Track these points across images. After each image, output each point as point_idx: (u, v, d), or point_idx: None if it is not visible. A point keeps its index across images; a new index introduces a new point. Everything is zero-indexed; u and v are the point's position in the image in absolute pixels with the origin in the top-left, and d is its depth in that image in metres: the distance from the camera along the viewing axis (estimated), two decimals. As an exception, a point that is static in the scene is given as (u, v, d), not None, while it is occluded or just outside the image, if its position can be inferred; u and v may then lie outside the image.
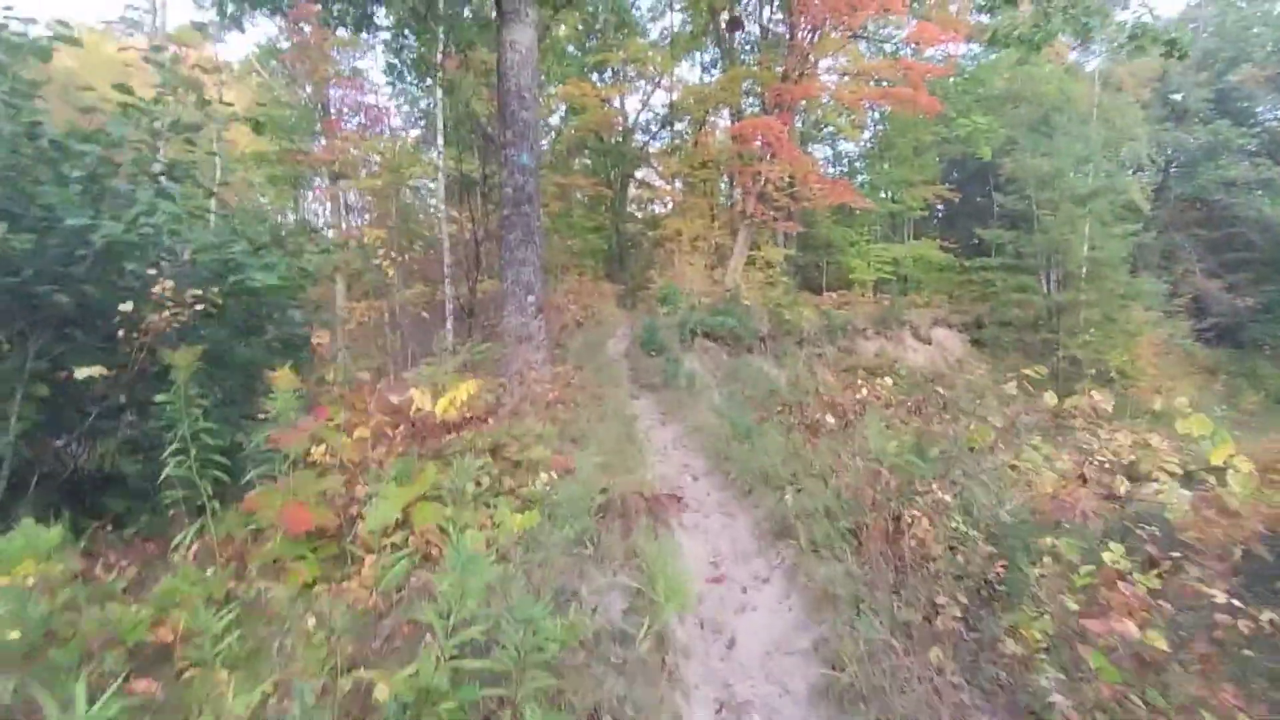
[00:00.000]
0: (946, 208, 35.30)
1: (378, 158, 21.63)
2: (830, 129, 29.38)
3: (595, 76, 25.79)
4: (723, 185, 25.77)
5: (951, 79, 26.71)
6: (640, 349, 13.99)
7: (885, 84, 19.19)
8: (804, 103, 22.00)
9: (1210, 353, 30.20)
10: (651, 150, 30.16)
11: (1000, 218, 33.41)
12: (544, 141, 29.26)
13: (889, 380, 17.61)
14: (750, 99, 25.39)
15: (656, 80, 26.87)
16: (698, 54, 29.07)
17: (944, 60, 24.77)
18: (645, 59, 24.46)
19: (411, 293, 18.51)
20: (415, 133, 25.19)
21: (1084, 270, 25.22)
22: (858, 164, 33.88)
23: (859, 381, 23.19)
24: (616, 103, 28.14)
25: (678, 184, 26.77)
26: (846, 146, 32.98)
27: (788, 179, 19.71)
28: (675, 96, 25.16)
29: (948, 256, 28.55)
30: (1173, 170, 31.16)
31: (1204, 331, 30.14)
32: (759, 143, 19.44)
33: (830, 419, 8.03)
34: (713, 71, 28.64)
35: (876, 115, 30.82)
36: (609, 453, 6.43)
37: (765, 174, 19.27)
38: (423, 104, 22.62)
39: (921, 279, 30.42)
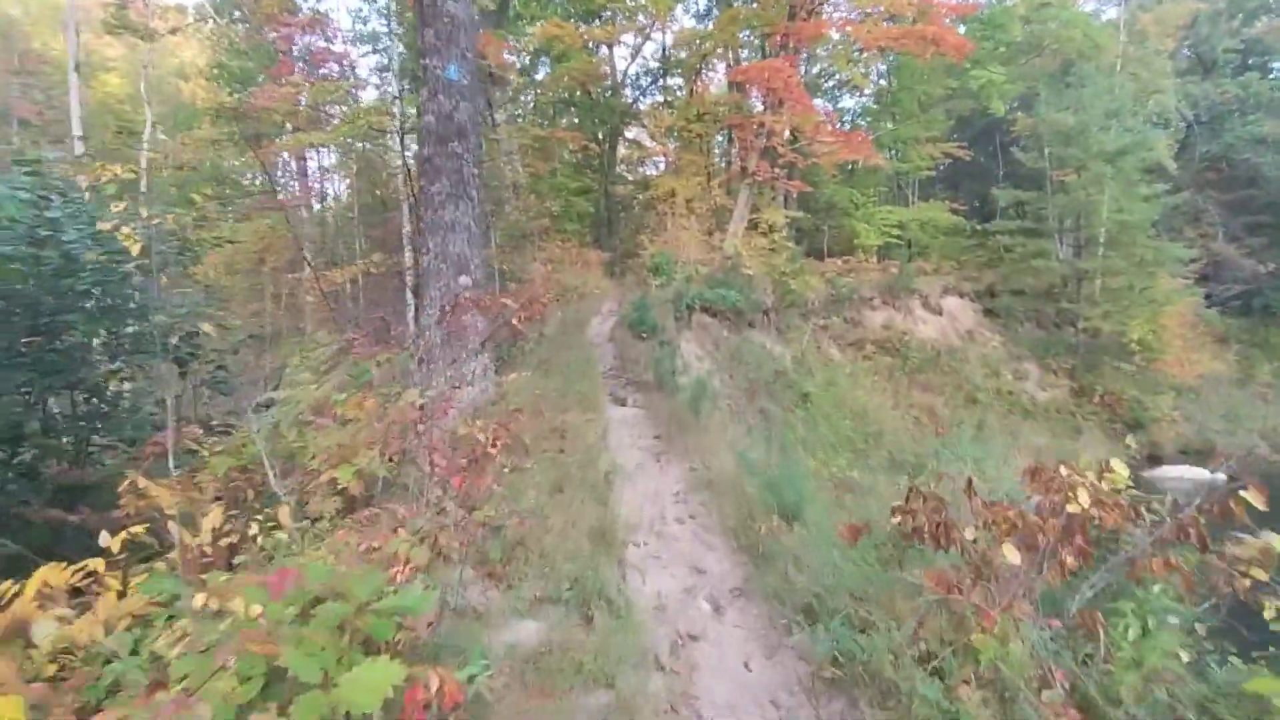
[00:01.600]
0: (950, 168, 32.51)
1: (339, 110, 18.75)
2: (833, 81, 26.46)
3: (583, 28, 22.75)
4: (719, 142, 22.89)
5: (963, 27, 23.83)
6: (628, 330, 11.46)
7: (905, 23, 16.35)
8: (808, 50, 19.15)
9: (1222, 321, 27.85)
10: (643, 108, 27.34)
11: (1009, 178, 30.76)
12: (527, 95, 26.29)
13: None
14: (748, 51, 22.50)
15: (648, 31, 23.87)
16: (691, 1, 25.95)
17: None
18: (634, 5, 21.34)
19: (369, 261, 15.81)
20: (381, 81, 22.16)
21: (1104, 234, 22.65)
22: (860, 121, 30.94)
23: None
24: (604, 51, 25.19)
25: (671, 144, 23.88)
26: (847, 102, 29.99)
27: (793, 133, 16.93)
28: (669, 40, 22.08)
29: (957, 219, 25.80)
30: (1197, 127, 28.36)
31: (1218, 299, 27.73)
32: (763, 90, 16.61)
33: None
34: (707, 22, 25.56)
35: (882, 67, 27.94)
36: (561, 575, 3.93)
37: (770, 126, 16.50)
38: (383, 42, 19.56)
39: (928, 244, 27.76)
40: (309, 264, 14.38)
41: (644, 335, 11.12)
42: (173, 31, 25.37)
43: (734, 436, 7.70)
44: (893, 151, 27.98)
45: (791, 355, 17.45)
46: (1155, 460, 20.40)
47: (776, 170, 17.13)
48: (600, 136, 26.68)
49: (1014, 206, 27.33)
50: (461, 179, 6.06)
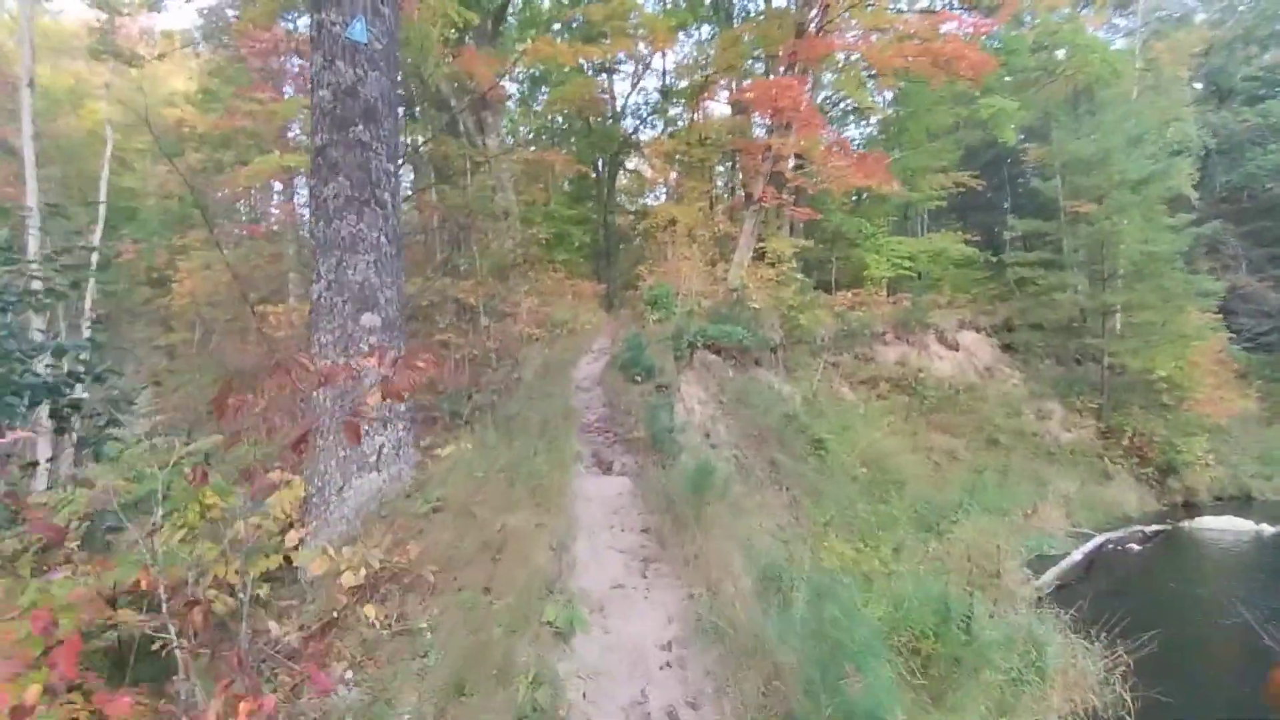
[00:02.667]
0: (955, 199, 31.11)
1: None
2: (839, 108, 25.11)
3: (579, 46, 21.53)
4: (722, 171, 21.44)
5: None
6: (621, 372, 9.79)
7: (919, 42, 14.90)
8: (815, 71, 17.72)
9: (1246, 357, 26.08)
10: (643, 138, 26.10)
11: (1017, 209, 29.43)
12: (524, 126, 24.99)
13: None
14: (751, 79, 21.17)
15: (648, 59, 22.64)
16: (693, 28, 24.71)
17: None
18: (633, 32, 19.97)
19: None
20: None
21: (1127, 266, 21.04)
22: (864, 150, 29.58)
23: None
24: (603, 79, 23.96)
25: (673, 172, 22.45)
26: (852, 132, 28.64)
27: (799, 157, 15.43)
28: (669, 65, 20.74)
29: (970, 251, 24.21)
30: (1216, 156, 26.93)
31: (1246, 333, 26.04)
32: (770, 112, 15.14)
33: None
34: (709, 48, 24.32)
35: (888, 94, 26.63)
36: None
37: (777, 150, 14.98)
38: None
39: (939, 276, 26.14)
40: (247, 302, 12.70)
41: (638, 378, 9.45)
42: (159, 57, 24.30)
43: (749, 531, 5.89)
44: (901, 181, 26.56)
45: (801, 396, 15.76)
46: (1192, 509, 18.53)
47: (784, 196, 15.58)
48: (599, 166, 25.37)
49: (1026, 238, 25.89)
50: (368, 178, 4.31)
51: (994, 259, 25.32)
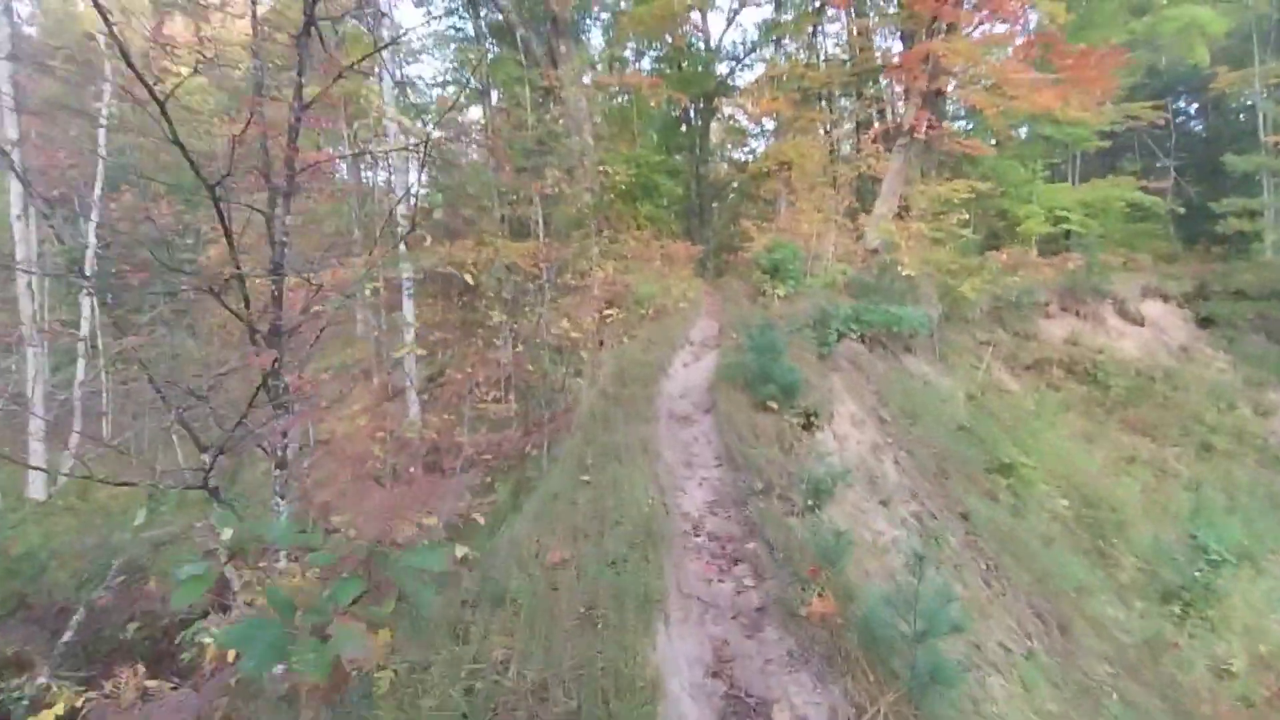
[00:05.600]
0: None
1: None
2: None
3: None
4: (844, 107, 16.53)
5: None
6: (739, 388, 5.72)
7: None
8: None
9: None
10: (740, 83, 21.39)
11: (1181, 149, 22.97)
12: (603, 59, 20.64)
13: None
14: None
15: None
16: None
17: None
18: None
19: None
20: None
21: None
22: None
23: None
24: (695, 16, 19.30)
25: (786, 108, 17.66)
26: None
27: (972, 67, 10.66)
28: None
29: (1153, 200, 18.43)
30: None
31: None
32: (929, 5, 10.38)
33: None
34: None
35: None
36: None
37: (943, 58, 10.26)
38: None
39: (1102, 233, 20.31)
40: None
41: (772, 403, 5.38)
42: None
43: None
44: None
45: (965, 393, 11.21)
46: None
47: (944, 125, 10.87)
48: (691, 113, 20.91)
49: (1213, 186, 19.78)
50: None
51: (1180, 210, 19.36)
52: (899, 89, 15.09)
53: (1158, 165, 22.90)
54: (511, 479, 5.10)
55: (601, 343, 7.49)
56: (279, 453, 3.97)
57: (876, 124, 13.12)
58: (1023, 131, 20.48)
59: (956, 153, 12.57)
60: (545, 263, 9.30)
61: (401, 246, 8.87)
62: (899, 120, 11.29)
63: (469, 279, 8.62)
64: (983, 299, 13.56)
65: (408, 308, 9.27)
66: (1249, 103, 24.76)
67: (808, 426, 5.75)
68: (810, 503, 3.98)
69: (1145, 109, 18.83)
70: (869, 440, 7.18)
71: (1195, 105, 25.86)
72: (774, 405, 5.40)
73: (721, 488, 4.28)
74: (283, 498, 4.00)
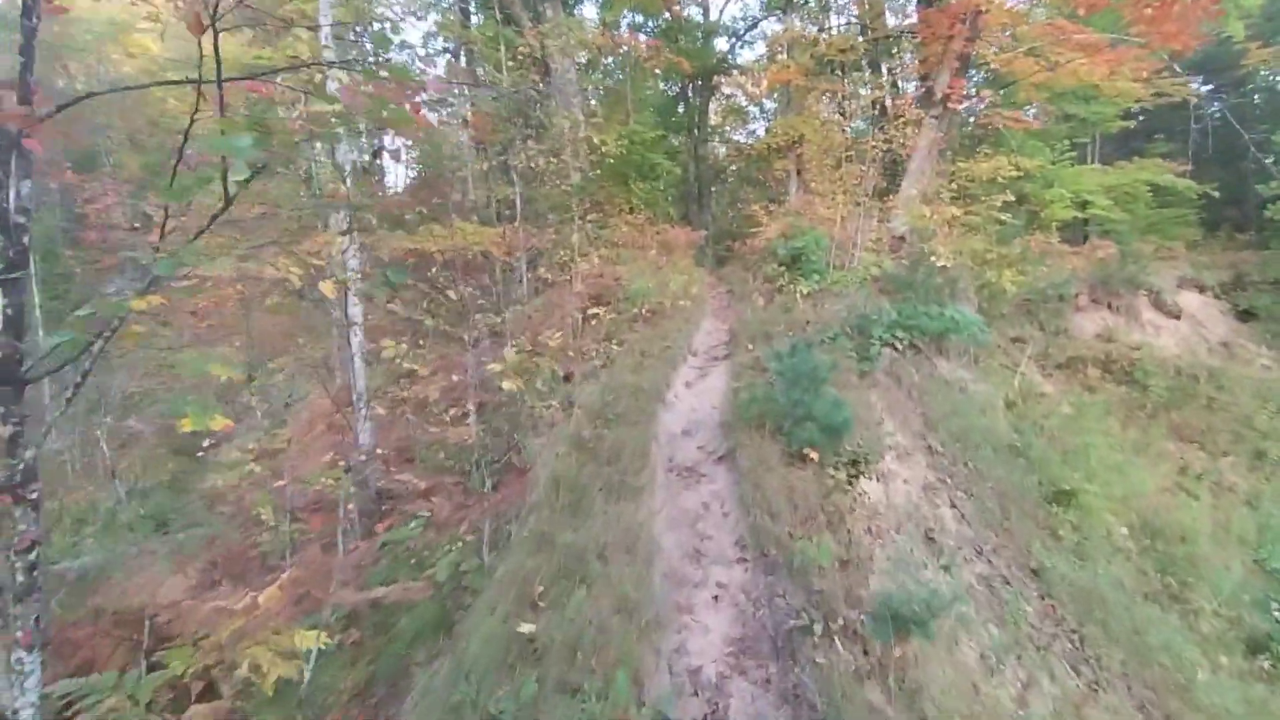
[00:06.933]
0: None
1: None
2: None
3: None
4: (860, 76, 14.71)
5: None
6: (766, 426, 4.09)
7: None
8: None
9: None
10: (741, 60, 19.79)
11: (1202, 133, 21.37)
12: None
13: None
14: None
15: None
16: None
17: None
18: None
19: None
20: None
21: None
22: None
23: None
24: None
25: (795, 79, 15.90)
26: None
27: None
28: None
29: (1186, 184, 16.79)
30: None
31: None
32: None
33: None
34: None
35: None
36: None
37: (978, 8, 8.59)
38: None
39: (1123, 220, 18.58)
40: None
41: (811, 451, 3.78)
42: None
43: None
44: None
45: (1004, 399, 9.61)
46: None
47: (983, 93, 9.21)
48: (689, 91, 19.28)
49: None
50: None
51: (1212, 193, 17.65)
52: (914, 61, 13.42)
53: (1174, 149, 21.26)
54: (451, 559, 3.52)
55: (582, 353, 5.87)
56: (16, 576, 2.37)
57: (902, 94, 11.37)
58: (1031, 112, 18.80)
59: (995, 129, 10.87)
60: (517, 251, 7.63)
61: (345, 235, 7.28)
62: (929, 87, 9.57)
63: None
64: (1017, 292, 11.94)
65: (353, 312, 7.60)
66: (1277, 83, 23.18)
67: (853, 478, 4.16)
68: (894, 649, 2.39)
69: (1177, 85, 17.11)
70: (918, 478, 5.59)
71: (1210, 88, 24.22)
72: (813, 454, 3.79)
73: (749, 610, 2.68)
74: (29, 650, 2.39)
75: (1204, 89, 23.81)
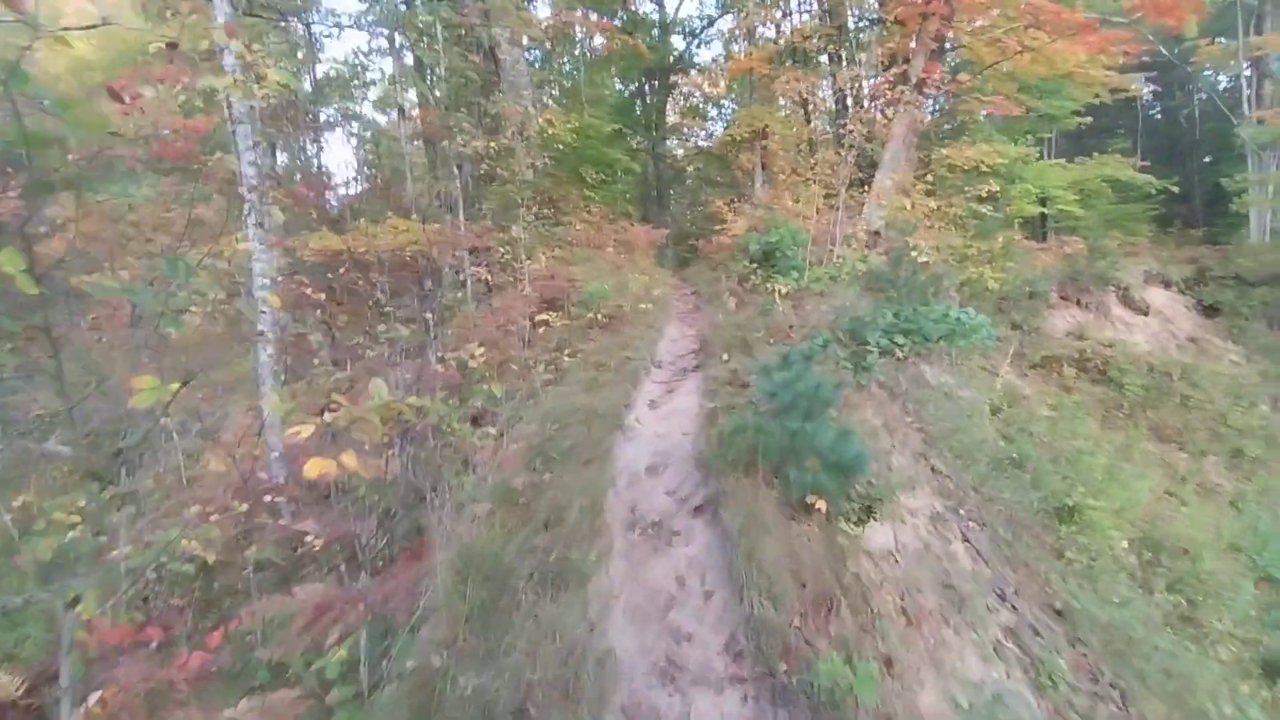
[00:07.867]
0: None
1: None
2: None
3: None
4: (822, 64, 13.93)
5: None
6: (755, 466, 3.10)
7: None
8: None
9: None
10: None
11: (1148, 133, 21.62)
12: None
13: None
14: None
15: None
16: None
17: None
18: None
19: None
20: None
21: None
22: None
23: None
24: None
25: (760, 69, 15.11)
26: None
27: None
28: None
29: (1144, 179, 16.48)
30: None
31: None
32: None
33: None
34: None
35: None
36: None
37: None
38: None
39: (1079, 216, 18.21)
40: None
41: (817, 500, 2.83)
42: None
43: None
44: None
45: (989, 404, 8.88)
46: None
47: (959, 79, 8.46)
48: (646, 91, 18.45)
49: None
50: None
51: (1173, 188, 17.39)
52: (881, 50, 12.71)
53: (1124, 147, 21.20)
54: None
55: (527, 366, 4.83)
56: None
57: (878, 76, 10.54)
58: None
59: (966, 118, 10.17)
60: (458, 250, 6.54)
61: (256, 229, 6.15)
62: (904, 71, 8.78)
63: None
64: (999, 289, 11.27)
65: (263, 318, 6.42)
66: (1221, 84, 23.40)
67: (861, 521, 3.21)
68: None
69: (1128, 83, 16.81)
70: (925, 508, 4.69)
71: (1153, 88, 24.37)
72: (820, 503, 2.82)
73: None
74: None
75: (1150, 88, 23.95)
